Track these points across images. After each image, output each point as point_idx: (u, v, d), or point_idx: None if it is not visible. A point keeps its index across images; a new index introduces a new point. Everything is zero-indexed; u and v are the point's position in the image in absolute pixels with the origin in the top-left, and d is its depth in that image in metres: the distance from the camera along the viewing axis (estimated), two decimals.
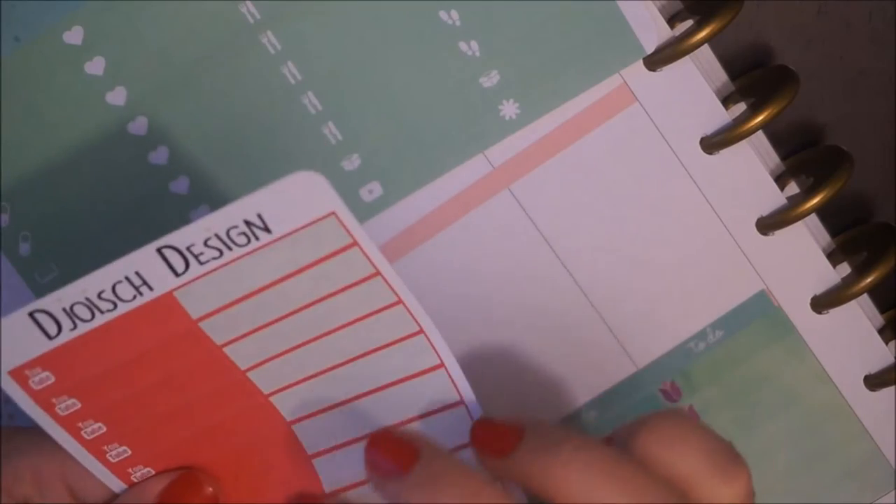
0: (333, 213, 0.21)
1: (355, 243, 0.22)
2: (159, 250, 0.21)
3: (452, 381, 0.24)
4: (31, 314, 0.21)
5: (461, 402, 0.24)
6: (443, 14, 0.28)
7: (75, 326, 0.21)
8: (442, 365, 0.24)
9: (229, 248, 0.21)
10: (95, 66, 0.27)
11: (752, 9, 0.31)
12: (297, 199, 0.21)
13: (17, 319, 0.21)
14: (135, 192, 0.28)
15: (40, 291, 0.28)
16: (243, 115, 0.28)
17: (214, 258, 0.21)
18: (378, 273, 0.22)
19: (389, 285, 0.22)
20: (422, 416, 0.24)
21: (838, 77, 0.32)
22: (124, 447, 0.24)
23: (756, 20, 0.31)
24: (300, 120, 0.28)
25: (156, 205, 0.28)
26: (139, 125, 0.28)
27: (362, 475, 0.24)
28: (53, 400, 0.22)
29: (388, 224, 0.29)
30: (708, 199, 0.30)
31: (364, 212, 0.28)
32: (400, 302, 0.23)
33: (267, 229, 0.21)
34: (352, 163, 0.28)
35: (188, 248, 0.21)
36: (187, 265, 0.21)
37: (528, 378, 0.30)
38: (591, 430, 0.31)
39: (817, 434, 0.31)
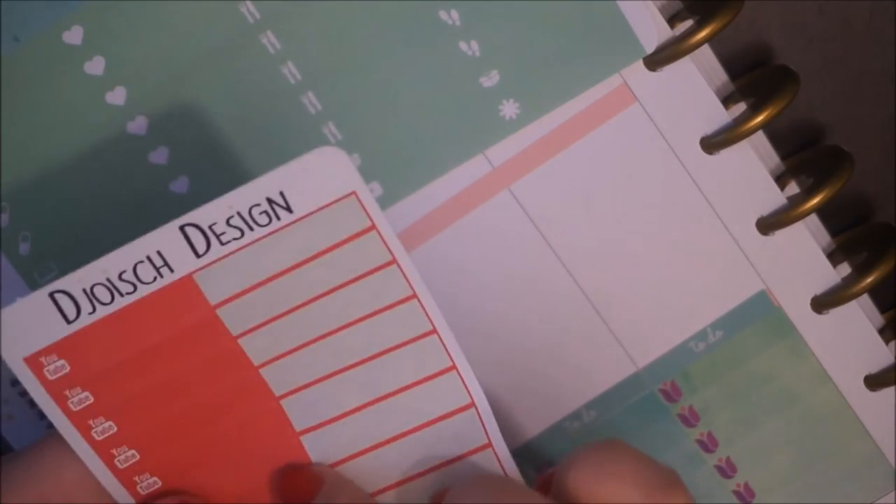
0: (354, 192, 0.21)
1: (374, 227, 0.22)
2: (182, 228, 0.21)
3: (464, 384, 0.24)
4: (51, 295, 0.21)
5: (472, 405, 0.24)
6: (443, 14, 0.28)
7: (94, 310, 0.21)
8: (454, 367, 0.24)
9: (251, 228, 0.21)
10: (95, 66, 0.27)
11: (752, 9, 0.31)
12: (319, 176, 0.21)
13: (37, 300, 0.21)
14: (134, 192, 0.28)
15: None
16: (243, 115, 0.28)
17: (235, 238, 0.21)
18: (394, 261, 0.22)
19: (405, 275, 0.22)
20: (433, 422, 0.24)
21: (839, 77, 0.32)
22: (133, 451, 0.23)
23: (756, 20, 0.31)
24: (300, 120, 0.28)
25: (155, 204, 0.28)
26: (139, 125, 0.28)
27: (370, 484, 0.24)
28: (66, 392, 0.22)
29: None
30: (708, 199, 0.30)
31: None
32: (414, 296, 0.23)
33: (288, 208, 0.21)
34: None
35: (210, 227, 0.21)
36: (209, 245, 0.21)
37: (528, 378, 0.30)
38: (591, 431, 0.31)
39: (817, 434, 0.31)
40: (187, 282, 0.21)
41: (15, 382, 0.28)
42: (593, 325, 0.30)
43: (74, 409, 0.22)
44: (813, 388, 0.31)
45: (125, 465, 0.23)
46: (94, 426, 0.22)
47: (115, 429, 0.23)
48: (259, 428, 0.24)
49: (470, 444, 0.24)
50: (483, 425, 0.24)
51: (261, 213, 0.21)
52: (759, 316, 0.31)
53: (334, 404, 0.24)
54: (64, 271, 0.28)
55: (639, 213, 0.30)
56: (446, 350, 0.23)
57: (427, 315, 0.23)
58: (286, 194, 0.21)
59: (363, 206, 0.21)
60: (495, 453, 0.24)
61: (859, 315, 0.31)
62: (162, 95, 0.27)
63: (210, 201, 0.21)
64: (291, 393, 0.24)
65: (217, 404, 0.23)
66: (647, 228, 0.30)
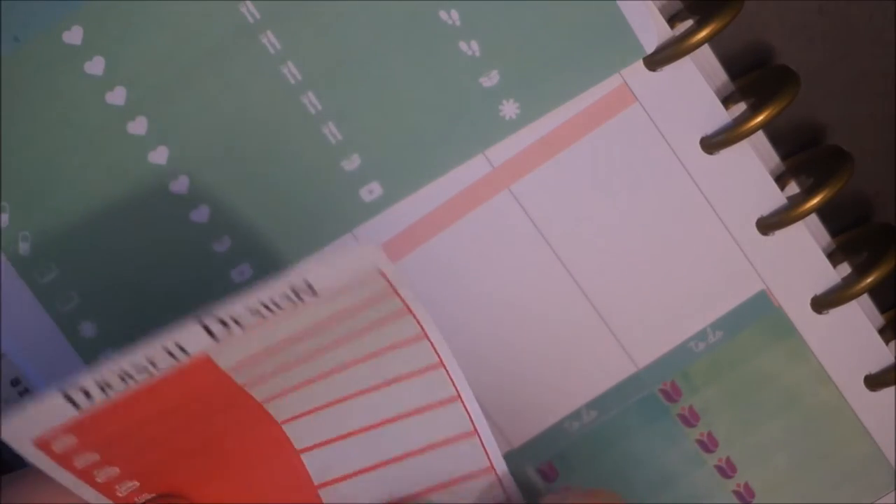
0: (382, 273, 0.21)
1: (408, 310, 0.22)
2: (203, 323, 0.20)
3: (484, 447, 0.24)
4: (60, 389, 0.20)
5: (491, 469, 0.24)
6: (443, 14, 0.28)
7: (107, 395, 0.21)
8: (475, 433, 0.24)
9: (272, 312, 0.21)
10: (95, 66, 0.27)
11: (752, 9, 0.31)
12: (349, 268, 0.21)
13: (50, 398, 0.20)
14: (134, 192, 0.28)
15: (40, 291, 0.28)
16: (243, 115, 0.28)
17: (255, 321, 0.21)
18: (425, 336, 0.22)
19: (416, 318, 0.22)
20: (435, 446, 0.24)
21: (839, 77, 0.32)
22: (134, 482, 0.23)
23: (756, 20, 0.31)
24: (300, 120, 0.28)
25: (155, 204, 0.28)
26: (138, 125, 0.28)
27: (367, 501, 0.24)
28: (73, 457, 0.22)
29: (388, 224, 0.29)
30: (708, 199, 0.30)
31: (364, 212, 0.28)
32: (424, 336, 0.23)
33: (313, 292, 0.21)
34: (352, 163, 0.28)
35: (231, 317, 0.21)
36: (228, 330, 0.21)
37: (528, 378, 0.30)
38: (591, 431, 0.31)
39: (817, 434, 0.31)
40: (202, 358, 0.21)
41: (15, 382, 0.28)
42: (593, 325, 0.30)
43: (79, 467, 0.22)
44: (813, 388, 0.31)
45: (125, 493, 0.23)
46: (97, 475, 0.22)
47: (118, 471, 0.23)
48: (260, 448, 0.24)
49: (472, 466, 0.24)
50: (485, 451, 0.24)
51: (284, 299, 0.21)
52: (758, 316, 0.31)
53: (336, 426, 0.24)
54: (64, 271, 0.28)
55: (639, 213, 0.30)
56: (452, 382, 0.23)
57: (435, 350, 0.23)
58: (311, 283, 0.20)
59: (389, 283, 0.21)
60: (497, 476, 0.25)
61: (859, 315, 0.31)
62: (161, 95, 0.27)
63: (234, 297, 0.20)
64: (294, 419, 0.24)
65: (219, 433, 0.24)
66: (647, 228, 0.30)
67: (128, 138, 0.28)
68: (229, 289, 0.28)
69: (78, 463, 0.22)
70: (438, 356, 0.23)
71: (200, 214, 0.28)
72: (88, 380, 0.20)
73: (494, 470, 0.24)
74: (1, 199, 0.28)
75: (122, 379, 0.21)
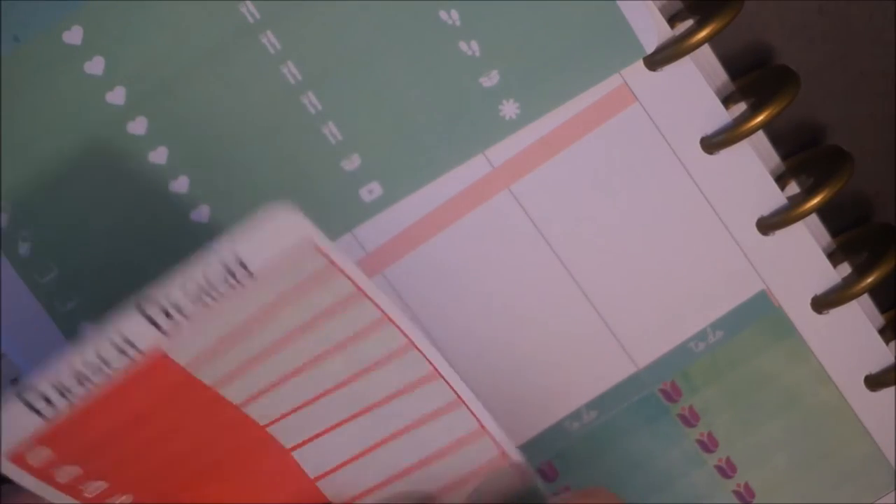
0: (310, 237, 0.21)
1: (338, 270, 0.22)
2: (139, 307, 0.20)
3: (471, 411, 0.24)
4: (19, 395, 0.20)
5: (482, 430, 0.24)
6: (443, 14, 0.28)
7: (68, 401, 0.21)
8: (460, 401, 0.24)
9: (213, 298, 0.21)
10: (95, 66, 0.27)
11: (752, 9, 0.31)
12: (271, 233, 0.21)
13: (9, 407, 0.20)
14: (134, 191, 0.28)
15: (40, 291, 0.28)
16: (243, 114, 0.28)
17: (198, 308, 0.21)
18: (360, 291, 0.22)
19: (375, 303, 0.22)
20: (423, 420, 0.24)
21: (839, 77, 0.32)
22: (128, 494, 0.23)
23: (756, 20, 0.31)
24: (300, 120, 0.28)
25: (155, 204, 0.28)
26: (138, 125, 0.28)
27: (366, 483, 0.24)
28: (53, 471, 0.22)
29: (388, 224, 0.29)
30: (708, 199, 0.30)
31: (364, 212, 0.28)
32: (386, 318, 0.23)
33: (246, 269, 0.21)
34: (352, 163, 0.28)
35: (170, 303, 0.21)
36: (173, 322, 0.21)
37: (528, 378, 0.30)
38: (591, 431, 0.31)
39: (817, 434, 0.31)
40: (157, 354, 0.21)
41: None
42: (593, 325, 0.30)
43: (63, 482, 0.22)
44: (813, 388, 0.31)
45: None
46: (85, 490, 0.22)
47: (106, 485, 0.23)
48: (249, 453, 0.24)
49: (463, 431, 0.24)
50: (473, 414, 0.24)
51: (219, 280, 0.21)
52: (759, 316, 0.31)
53: (320, 421, 0.24)
54: (64, 271, 0.28)
55: (639, 213, 0.30)
56: (427, 360, 0.23)
57: (402, 332, 0.23)
58: (241, 256, 0.20)
59: (320, 249, 0.21)
60: (490, 435, 0.24)
61: (859, 315, 0.31)
62: (162, 95, 0.28)
63: (162, 281, 0.21)
64: (276, 421, 0.24)
65: (205, 441, 0.24)
66: (648, 228, 0.30)
67: (128, 138, 0.28)
68: None
69: (60, 477, 0.22)
70: (407, 337, 0.23)
71: (200, 214, 0.28)
72: (44, 383, 0.20)
73: (485, 429, 0.24)
74: (1, 199, 0.28)
75: (79, 381, 0.21)
